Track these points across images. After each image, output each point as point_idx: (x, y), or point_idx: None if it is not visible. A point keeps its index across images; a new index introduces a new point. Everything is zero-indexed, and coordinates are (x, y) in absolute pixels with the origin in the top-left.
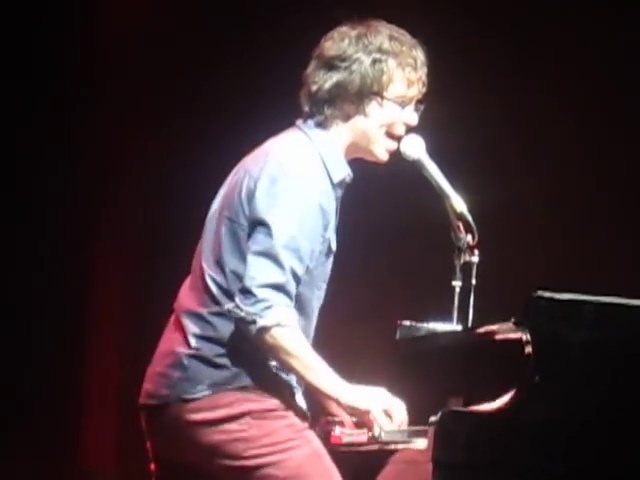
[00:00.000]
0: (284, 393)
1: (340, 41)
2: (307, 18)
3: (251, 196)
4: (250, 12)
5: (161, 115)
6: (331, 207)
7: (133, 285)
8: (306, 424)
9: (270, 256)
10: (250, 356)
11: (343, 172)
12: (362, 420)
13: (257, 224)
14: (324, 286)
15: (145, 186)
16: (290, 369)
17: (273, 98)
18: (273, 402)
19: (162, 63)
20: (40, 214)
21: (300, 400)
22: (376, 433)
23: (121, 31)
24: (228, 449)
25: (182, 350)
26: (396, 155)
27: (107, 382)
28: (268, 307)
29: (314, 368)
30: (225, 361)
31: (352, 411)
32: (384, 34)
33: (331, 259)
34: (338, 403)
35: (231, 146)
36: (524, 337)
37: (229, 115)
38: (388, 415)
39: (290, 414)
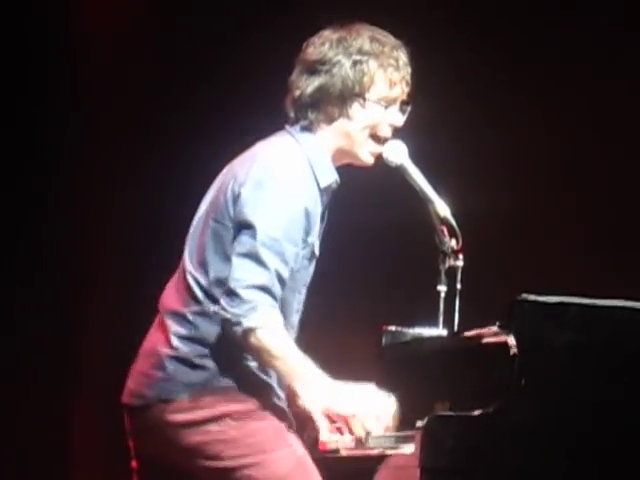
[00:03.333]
0: (266, 394)
1: (321, 45)
2: (296, 21)
3: (237, 199)
4: (236, 16)
5: (150, 121)
6: (316, 212)
7: (127, 302)
8: (287, 426)
9: (255, 257)
10: (231, 357)
11: (330, 177)
12: (347, 424)
13: (242, 226)
14: (304, 290)
15: (136, 187)
16: (276, 371)
17: (262, 104)
18: (254, 403)
19: (148, 69)
20: (32, 217)
21: (282, 401)
22: (363, 437)
23: (105, 36)
24: (208, 450)
25: (164, 350)
26: (380, 161)
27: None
28: (253, 308)
29: (299, 370)
30: (206, 362)
31: (330, 413)
32: (365, 36)
33: (313, 264)
34: (323, 407)
35: (221, 149)
36: (509, 341)
37: (218, 119)
38: (375, 416)
39: (271, 416)
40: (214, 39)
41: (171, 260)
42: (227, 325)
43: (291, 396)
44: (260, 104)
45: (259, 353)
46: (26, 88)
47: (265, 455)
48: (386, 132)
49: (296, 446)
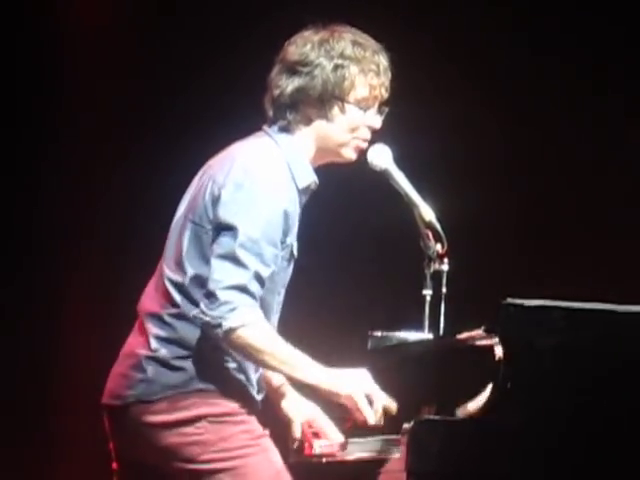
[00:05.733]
0: (243, 397)
1: (303, 46)
2: (279, 23)
3: (216, 201)
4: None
5: (130, 121)
6: (295, 213)
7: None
8: (264, 431)
9: (233, 259)
10: (209, 359)
11: (309, 179)
12: (345, 406)
13: (222, 228)
14: (283, 291)
15: (117, 190)
16: (265, 366)
17: (247, 105)
18: (231, 406)
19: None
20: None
21: (259, 405)
22: (366, 419)
23: (90, 41)
24: (184, 452)
25: (142, 352)
26: (364, 165)
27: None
28: (232, 309)
29: (289, 361)
30: (183, 363)
31: (334, 397)
32: (347, 39)
33: (292, 265)
34: (319, 391)
35: (198, 151)
36: (495, 344)
37: (203, 120)
38: (370, 400)
39: (248, 419)
40: (201, 39)
41: (151, 262)
42: (208, 328)
43: (277, 400)
44: (245, 105)
45: (245, 351)
46: (11, 89)
47: (240, 460)
48: (365, 134)
49: (271, 452)
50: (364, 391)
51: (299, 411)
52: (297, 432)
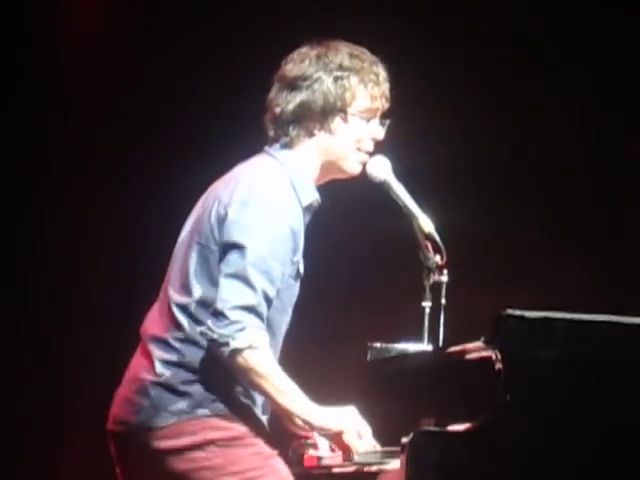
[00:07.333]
0: (249, 419)
1: (300, 62)
2: (274, 39)
3: (222, 221)
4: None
5: (135, 145)
6: (301, 230)
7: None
8: (273, 451)
9: (241, 278)
10: (215, 383)
11: (312, 196)
12: (334, 441)
13: (229, 247)
14: (291, 310)
15: (120, 210)
16: (261, 391)
17: (240, 126)
18: (239, 429)
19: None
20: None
21: (265, 426)
22: (351, 454)
23: (91, 49)
24: (194, 478)
25: (148, 377)
26: (363, 176)
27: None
28: (241, 329)
29: (285, 391)
30: (190, 388)
31: (325, 432)
32: (344, 52)
33: (299, 283)
34: (310, 425)
35: (202, 172)
36: (494, 356)
37: (207, 138)
38: (359, 435)
39: (257, 441)
40: (205, 49)
41: (155, 287)
42: (214, 346)
43: (276, 413)
44: (249, 118)
45: (246, 373)
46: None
47: None
48: (368, 146)
49: (282, 472)
50: (354, 427)
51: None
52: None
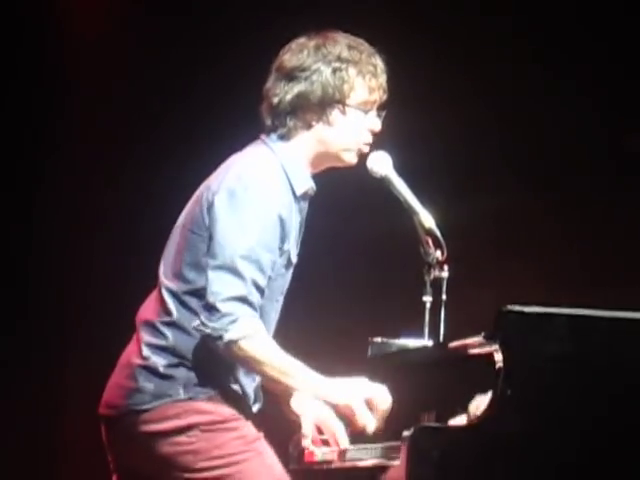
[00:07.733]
0: (236, 404)
1: (299, 52)
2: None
3: (210, 207)
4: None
5: (132, 133)
6: (291, 219)
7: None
8: (259, 434)
9: (230, 269)
10: (200, 367)
11: (306, 185)
12: (343, 415)
13: (215, 237)
14: (281, 298)
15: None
16: (266, 377)
17: (237, 117)
18: (222, 413)
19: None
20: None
21: (253, 410)
22: (365, 426)
23: (90, 44)
24: (179, 461)
25: (136, 361)
26: (364, 172)
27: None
28: (233, 321)
29: (288, 371)
30: (174, 372)
31: (333, 406)
32: (342, 43)
33: (290, 271)
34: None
35: (201, 171)
36: (495, 351)
37: (204, 129)
38: (370, 406)
39: (241, 425)
40: (205, 41)
41: (154, 286)
42: (209, 340)
43: (286, 398)
44: (245, 114)
45: (246, 362)
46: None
47: (236, 467)
48: (367, 137)
49: (266, 455)
50: (363, 398)
51: (310, 408)
52: (307, 429)
